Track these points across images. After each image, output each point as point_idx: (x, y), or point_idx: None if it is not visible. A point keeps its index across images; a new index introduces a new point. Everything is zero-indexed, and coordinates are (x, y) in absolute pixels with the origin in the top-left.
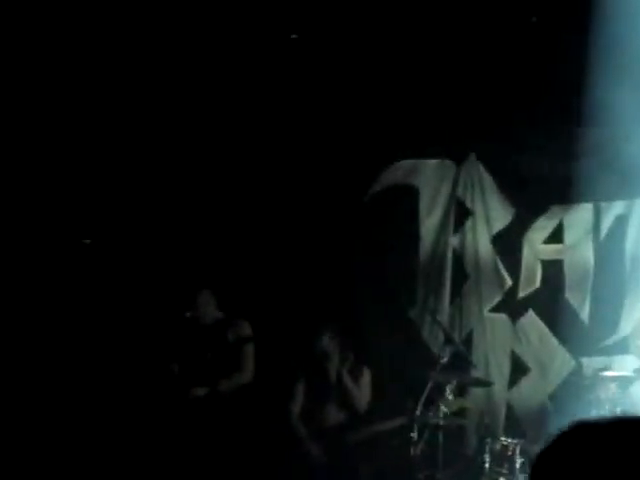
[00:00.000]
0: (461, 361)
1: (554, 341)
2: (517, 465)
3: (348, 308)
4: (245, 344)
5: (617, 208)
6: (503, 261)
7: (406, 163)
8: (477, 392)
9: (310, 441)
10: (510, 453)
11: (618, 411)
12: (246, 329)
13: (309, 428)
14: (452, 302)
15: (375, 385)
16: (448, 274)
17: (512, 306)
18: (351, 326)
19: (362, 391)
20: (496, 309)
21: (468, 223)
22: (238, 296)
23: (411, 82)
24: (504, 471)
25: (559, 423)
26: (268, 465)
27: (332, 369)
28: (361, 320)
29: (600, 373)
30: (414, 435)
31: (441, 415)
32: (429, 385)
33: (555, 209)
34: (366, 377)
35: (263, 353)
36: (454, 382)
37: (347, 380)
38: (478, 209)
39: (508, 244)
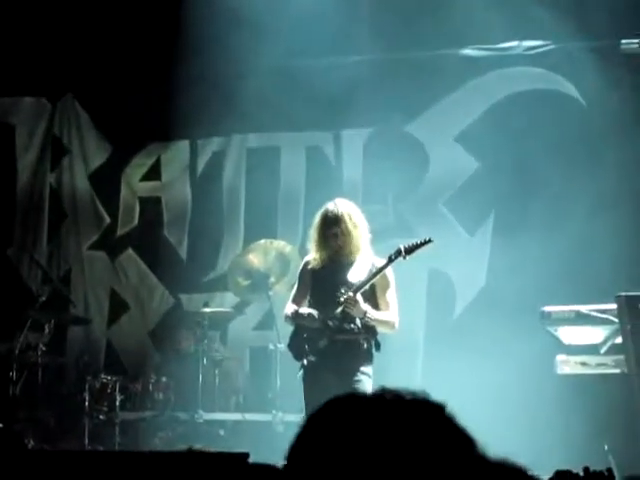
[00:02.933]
0: (60, 299)
1: (153, 278)
2: (117, 402)
3: None
4: None
5: (214, 145)
6: (101, 199)
7: (2, 101)
8: (76, 330)
9: None
10: (110, 390)
11: (217, 347)
12: None
13: None
14: (50, 240)
15: None
16: (46, 212)
17: (111, 244)
18: None
19: None
20: (95, 247)
21: (65, 161)
22: None
23: (8, 20)
24: (104, 408)
25: (158, 360)
26: None
27: None
28: None
29: (199, 309)
30: (12, 374)
31: (40, 354)
32: (28, 323)
33: (152, 146)
34: None
35: None
36: (53, 320)
37: None
38: (75, 147)
39: (106, 181)
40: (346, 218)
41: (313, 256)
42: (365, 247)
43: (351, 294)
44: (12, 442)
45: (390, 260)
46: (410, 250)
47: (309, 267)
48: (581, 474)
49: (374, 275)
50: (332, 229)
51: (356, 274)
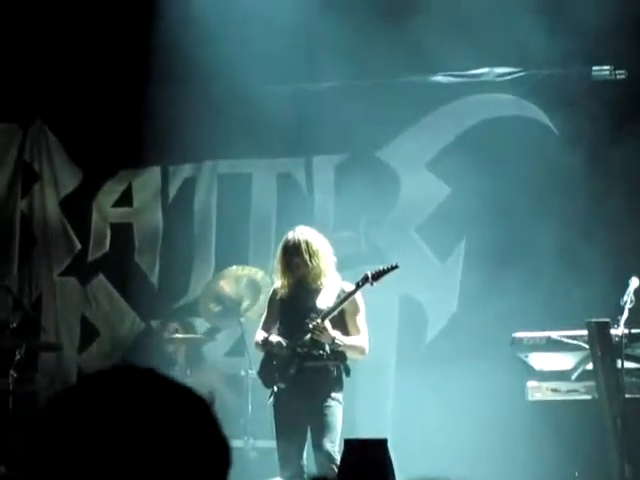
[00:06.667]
0: (31, 325)
1: (124, 304)
2: None
3: None
4: None
5: (185, 171)
6: (72, 225)
7: None
8: (47, 357)
9: None
10: None
11: (188, 373)
12: None
13: None
14: (21, 267)
15: None
16: (16, 238)
17: (82, 270)
18: None
19: None
20: (66, 273)
21: (36, 187)
22: None
23: None
24: None
25: None
26: None
27: None
28: None
29: (171, 336)
30: None
31: (11, 380)
32: None
33: (124, 172)
34: None
35: None
36: (23, 346)
37: None
38: (46, 173)
39: (77, 208)
40: (304, 247)
41: (280, 283)
42: (330, 272)
43: (319, 321)
44: None
45: (357, 286)
46: (377, 276)
47: (277, 294)
48: None
49: (342, 301)
50: (293, 259)
51: (324, 300)
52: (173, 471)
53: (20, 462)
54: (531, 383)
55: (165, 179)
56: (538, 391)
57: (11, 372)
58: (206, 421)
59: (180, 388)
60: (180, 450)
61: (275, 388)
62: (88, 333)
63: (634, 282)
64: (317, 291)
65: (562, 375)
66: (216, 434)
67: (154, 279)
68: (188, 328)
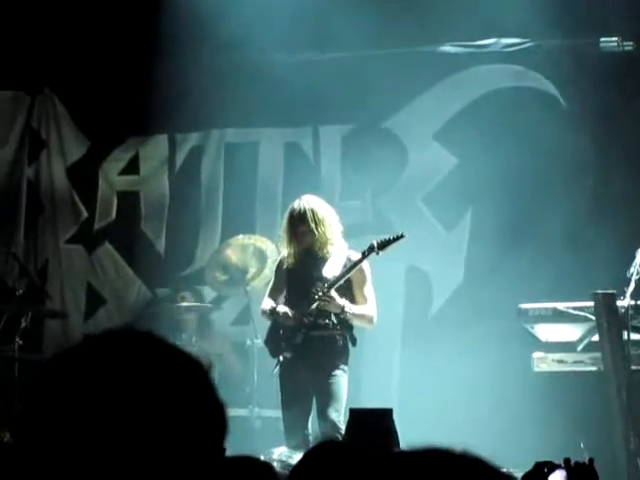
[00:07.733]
0: (36, 293)
1: (130, 272)
2: None
3: None
4: None
5: (192, 139)
6: (79, 193)
7: None
8: (53, 324)
9: None
10: None
11: (194, 341)
12: None
13: None
14: (27, 234)
15: None
16: (23, 206)
17: (88, 237)
18: None
19: None
20: (72, 240)
21: (43, 155)
22: None
23: None
24: None
25: None
26: None
27: None
28: None
29: (177, 304)
30: None
31: (16, 348)
32: (4, 317)
33: (131, 140)
34: None
35: None
36: (29, 314)
37: None
38: (53, 141)
39: (84, 175)
40: (309, 215)
41: (287, 252)
42: (337, 240)
43: (325, 290)
44: None
45: (363, 255)
46: (383, 245)
47: (284, 263)
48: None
49: (348, 270)
50: (299, 227)
51: (331, 269)
52: (168, 435)
53: (14, 421)
54: (537, 354)
55: (172, 147)
56: (544, 362)
57: (17, 339)
58: (203, 385)
59: (177, 351)
60: (175, 414)
61: (281, 357)
62: (94, 301)
63: None
64: (323, 260)
65: (568, 346)
66: (213, 399)
67: (160, 248)
68: (196, 296)
